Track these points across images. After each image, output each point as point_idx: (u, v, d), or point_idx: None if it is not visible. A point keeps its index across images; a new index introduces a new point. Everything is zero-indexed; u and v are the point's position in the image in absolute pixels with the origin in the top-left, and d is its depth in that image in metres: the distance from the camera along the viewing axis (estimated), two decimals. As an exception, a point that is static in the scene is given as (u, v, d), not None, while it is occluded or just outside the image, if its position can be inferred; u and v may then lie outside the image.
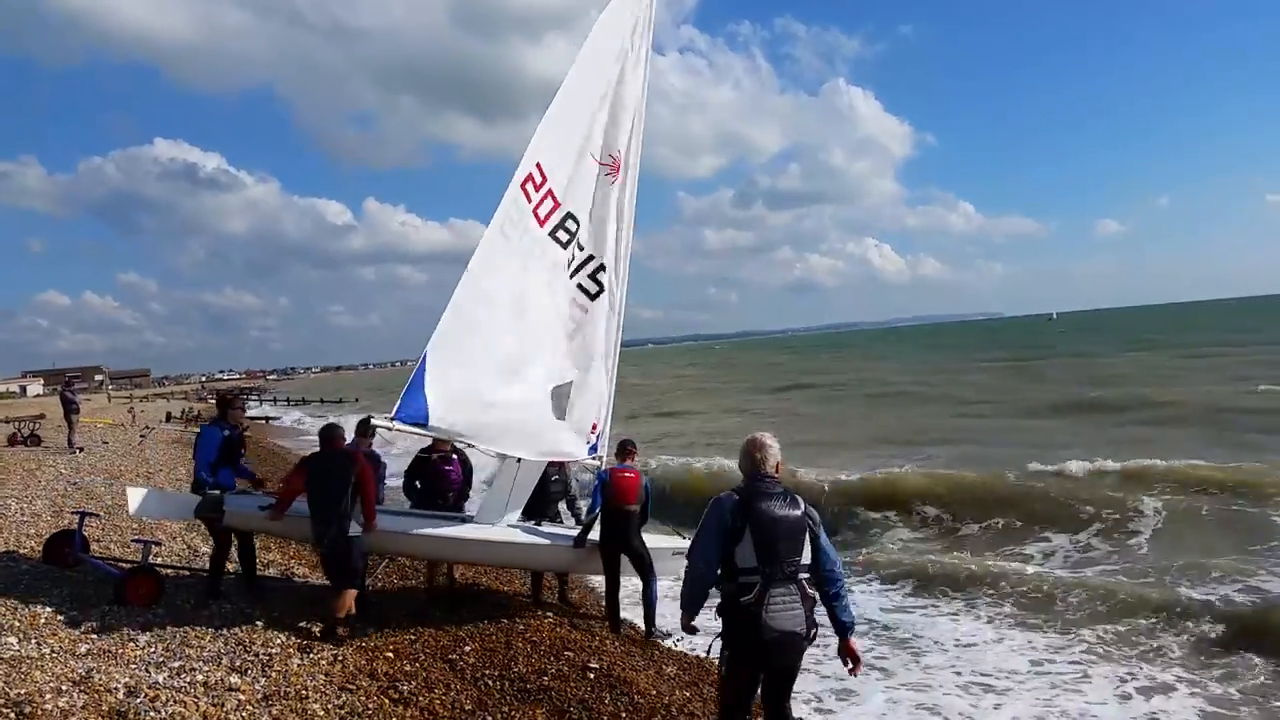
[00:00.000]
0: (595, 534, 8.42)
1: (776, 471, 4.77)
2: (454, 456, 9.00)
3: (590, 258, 8.74)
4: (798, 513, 4.62)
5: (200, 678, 6.06)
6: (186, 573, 8.96)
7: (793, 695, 4.89)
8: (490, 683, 6.58)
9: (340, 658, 6.78)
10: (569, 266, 8.57)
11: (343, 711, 5.84)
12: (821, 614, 4.69)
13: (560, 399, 8.51)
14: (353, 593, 7.38)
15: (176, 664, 6.27)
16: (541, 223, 8.31)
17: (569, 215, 8.52)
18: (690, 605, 4.84)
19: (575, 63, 8.65)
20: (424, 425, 7.36)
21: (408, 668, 6.73)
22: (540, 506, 8.92)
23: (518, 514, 8.53)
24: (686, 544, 7.14)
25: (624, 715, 6.22)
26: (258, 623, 7.39)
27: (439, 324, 7.62)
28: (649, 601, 8.45)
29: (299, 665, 6.53)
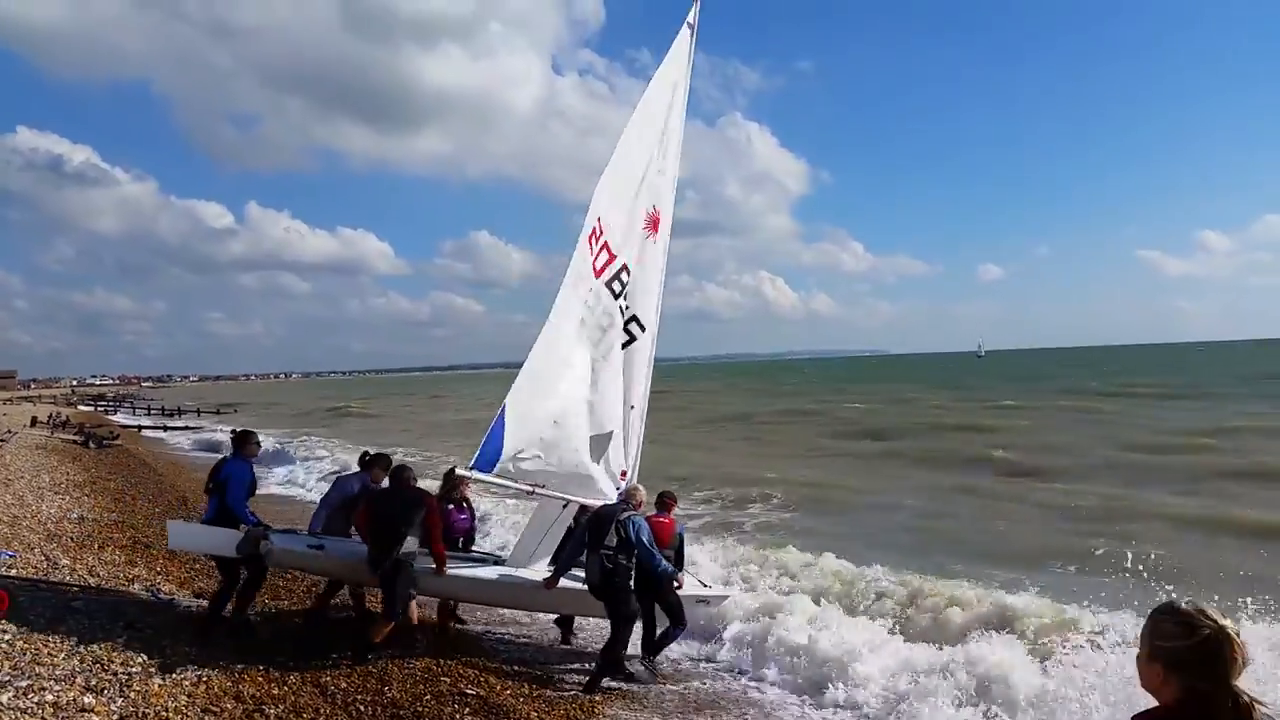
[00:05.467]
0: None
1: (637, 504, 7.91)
2: (465, 504, 8.85)
3: (629, 309, 8.95)
4: (609, 520, 7.63)
5: (50, 698, 5.73)
6: (43, 586, 8.47)
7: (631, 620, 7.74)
8: (362, 708, 6.43)
9: (205, 679, 6.52)
10: (619, 316, 8.79)
11: (204, 735, 5.64)
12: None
13: (600, 445, 8.64)
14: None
15: (24, 683, 5.91)
16: (598, 274, 8.55)
17: (624, 267, 8.78)
18: (562, 569, 7.99)
19: (635, 115, 8.93)
20: (490, 471, 7.78)
21: (275, 691, 6.52)
22: None
23: (547, 559, 8.50)
24: (710, 591, 9.18)
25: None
26: (119, 639, 7.05)
27: (519, 375, 8.02)
28: (669, 636, 8.19)
29: (160, 685, 6.25)
